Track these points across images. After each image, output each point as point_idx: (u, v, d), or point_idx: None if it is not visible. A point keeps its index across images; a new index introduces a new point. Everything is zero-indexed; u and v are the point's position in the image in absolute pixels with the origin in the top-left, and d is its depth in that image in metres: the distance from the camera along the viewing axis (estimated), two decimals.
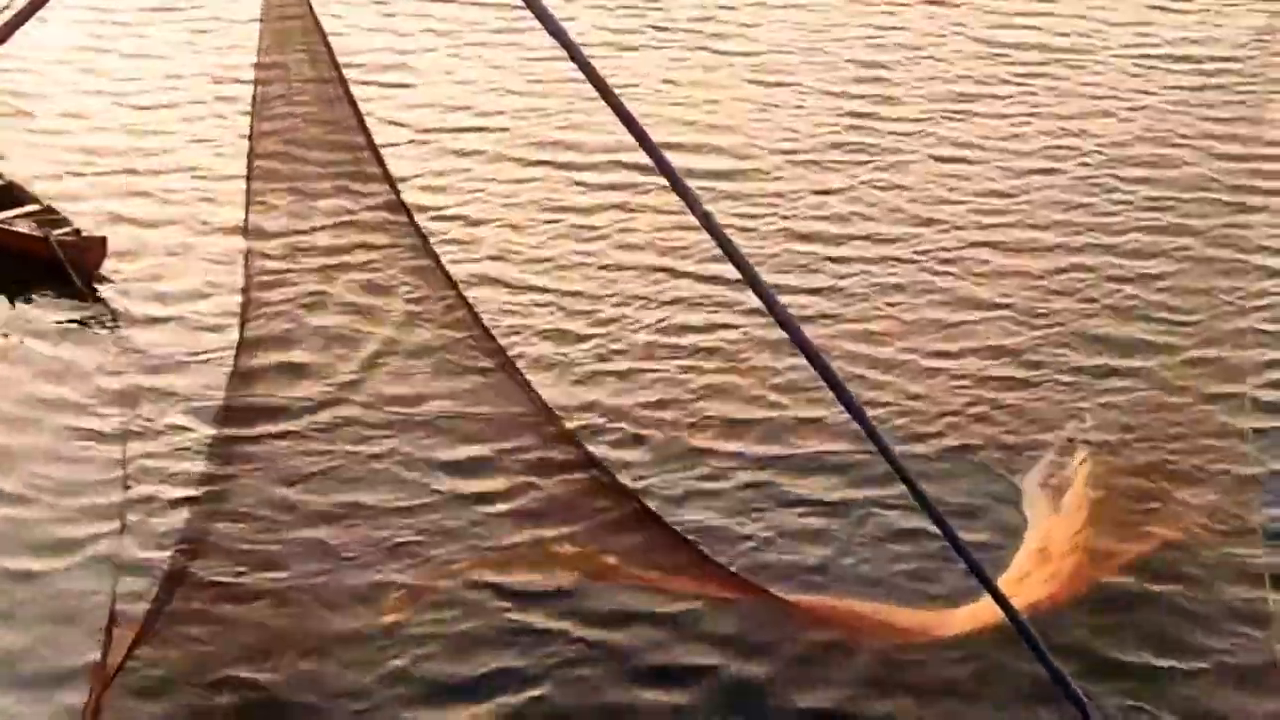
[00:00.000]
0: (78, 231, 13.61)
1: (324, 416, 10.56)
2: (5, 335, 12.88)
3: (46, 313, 13.19)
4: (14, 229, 13.53)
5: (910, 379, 11.77)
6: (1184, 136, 16.66)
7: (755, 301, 5.70)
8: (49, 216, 13.81)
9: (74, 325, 12.94)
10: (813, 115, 17.29)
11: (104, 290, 13.44)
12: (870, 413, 6.45)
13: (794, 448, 10.73)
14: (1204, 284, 13.24)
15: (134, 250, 14.12)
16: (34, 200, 14.23)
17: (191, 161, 15.93)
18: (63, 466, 10.54)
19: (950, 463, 10.53)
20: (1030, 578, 8.28)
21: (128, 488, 9.83)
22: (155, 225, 14.75)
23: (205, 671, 8.29)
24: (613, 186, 15.21)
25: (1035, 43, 19.55)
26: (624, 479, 8.95)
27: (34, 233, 13.33)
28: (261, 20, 7.25)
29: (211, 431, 9.13)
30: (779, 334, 6.03)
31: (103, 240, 13.61)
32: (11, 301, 13.44)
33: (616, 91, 5.61)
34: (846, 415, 6.11)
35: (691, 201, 5.91)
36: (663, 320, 12.74)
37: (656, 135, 5.77)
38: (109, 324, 12.89)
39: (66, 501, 10.10)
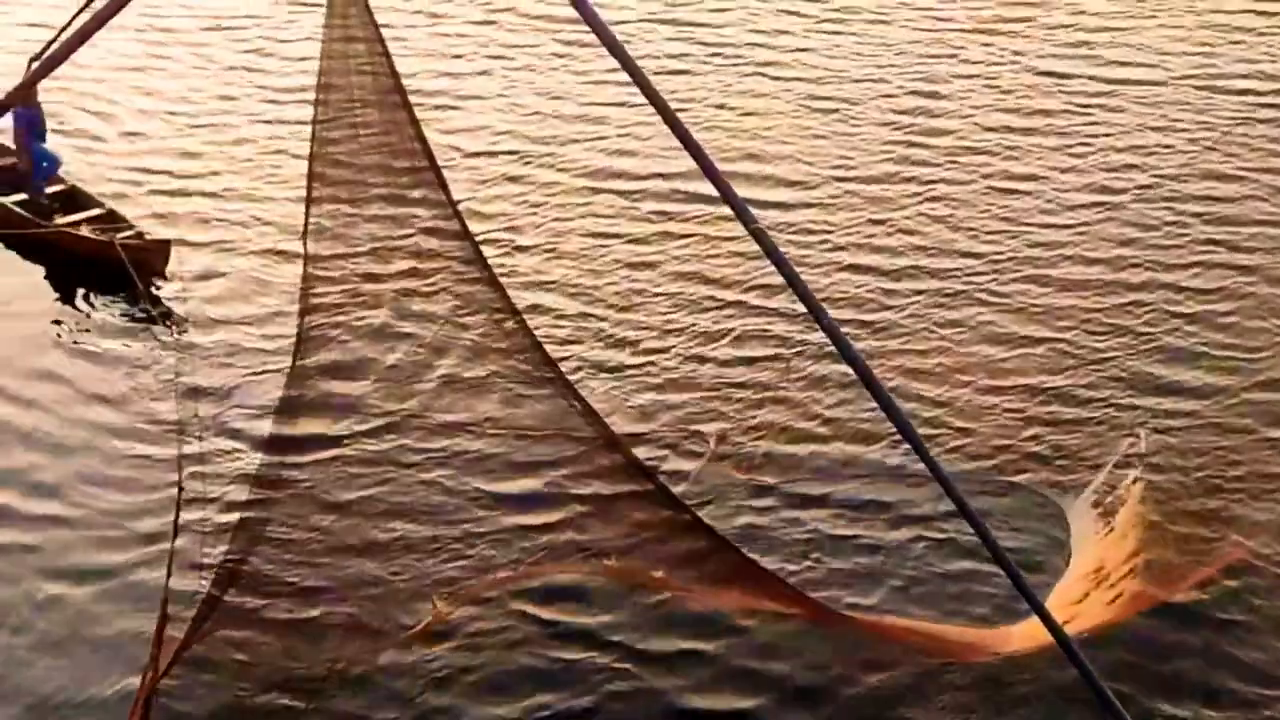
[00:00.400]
0: (141, 235, 13.90)
1: (377, 431, 10.73)
2: (71, 337, 13.21)
3: (110, 315, 13.55)
4: (80, 233, 13.82)
5: (964, 405, 11.75)
6: (1245, 170, 16.44)
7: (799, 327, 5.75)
8: (113, 221, 14.11)
9: (136, 327, 13.26)
10: (866, 144, 17.26)
11: (165, 293, 13.73)
12: (923, 432, 6.46)
13: (848, 469, 10.75)
14: (1264, 321, 13.03)
15: (194, 255, 14.36)
16: (97, 205, 14.54)
17: (252, 173, 16.25)
18: (122, 464, 10.80)
19: (1002, 486, 10.53)
20: (1080, 599, 8.23)
21: (182, 489, 9.99)
22: (216, 235, 15.03)
23: (250, 674, 8.46)
24: (668, 214, 15.20)
25: (1093, 73, 19.33)
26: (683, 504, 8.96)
27: (99, 236, 13.61)
28: (323, 39, 7.40)
29: (267, 434, 9.25)
30: (834, 362, 6.02)
31: (167, 243, 13.89)
32: (76, 304, 13.81)
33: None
34: (900, 439, 6.11)
35: (751, 225, 5.91)
36: (717, 346, 12.69)
37: None
38: (170, 325, 13.17)
39: (123, 498, 10.34)
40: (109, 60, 17.86)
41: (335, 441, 9.99)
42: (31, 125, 14.36)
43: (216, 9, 21.26)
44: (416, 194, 8.38)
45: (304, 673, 8.49)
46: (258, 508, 8.54)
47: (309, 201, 7.81)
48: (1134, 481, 9.92)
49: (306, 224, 7.83)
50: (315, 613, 8.64)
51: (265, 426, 9.86)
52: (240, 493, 9.26)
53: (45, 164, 14.57)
